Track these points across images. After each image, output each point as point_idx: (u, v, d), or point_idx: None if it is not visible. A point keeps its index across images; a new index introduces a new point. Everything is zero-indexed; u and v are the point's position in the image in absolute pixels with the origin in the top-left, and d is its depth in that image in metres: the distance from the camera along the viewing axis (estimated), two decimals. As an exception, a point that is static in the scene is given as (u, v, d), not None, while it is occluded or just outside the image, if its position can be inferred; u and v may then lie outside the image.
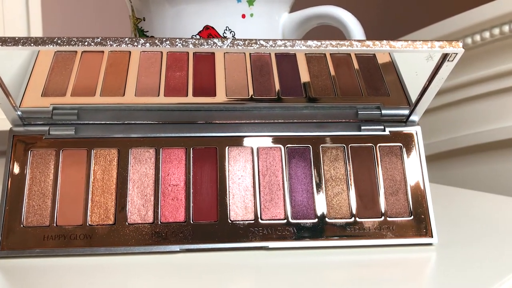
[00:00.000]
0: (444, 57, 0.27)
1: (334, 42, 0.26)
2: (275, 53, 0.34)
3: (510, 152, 0.55)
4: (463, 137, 0.59)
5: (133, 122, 0.31)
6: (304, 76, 0.33)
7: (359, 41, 0.26)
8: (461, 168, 0.61)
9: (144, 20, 0.34)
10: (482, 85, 0.57)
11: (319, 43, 0.26)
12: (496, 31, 0.53)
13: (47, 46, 0.25)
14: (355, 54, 0.34)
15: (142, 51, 0.33)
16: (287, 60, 0.34)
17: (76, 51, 0.32)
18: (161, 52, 0.33)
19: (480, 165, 0.58)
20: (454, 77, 0.59)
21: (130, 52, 0.33)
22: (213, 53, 0.33)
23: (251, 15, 0.34)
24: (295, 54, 0.34)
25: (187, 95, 0.32)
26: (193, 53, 0.33)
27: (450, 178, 0.61)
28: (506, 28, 0.52)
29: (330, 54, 0.34)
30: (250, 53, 0.33)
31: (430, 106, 0.61)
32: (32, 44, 0.25)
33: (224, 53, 0.33)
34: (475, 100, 0.58)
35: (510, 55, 0.53)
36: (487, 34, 0.54)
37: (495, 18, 0.52)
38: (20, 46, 0.25)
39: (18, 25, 0.49)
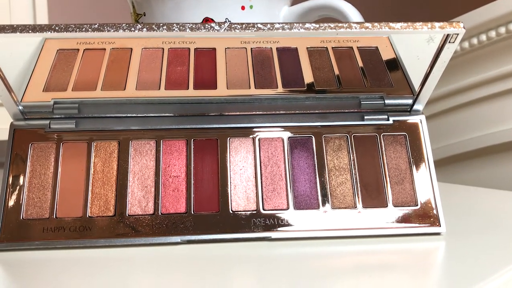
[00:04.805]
0: (446, 38, 0.27)
1: (332, 25, 0.26)
2: (277, 47, 0.34)
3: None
4: (471, 140, 0.58)
5: (133, 115, 0.31)
6: (306, 69, 0.33)
7: (357, 23, 0.26)
8: (470, 171, 0.60)
9: (144, 15, 0.35)
10: (489, 87, 0.56)
11: (317, 26, 0.26)
12: (502, 29, 0.52)
13: (45, 32, 0.25)
14: (357, 47, 0.34)
15: (144, 48, 0.33)
16: (288, 54, 0.34)
17: (78, 49, 0.32)
18: (162, 49, 0.33)
19: (490, 168, 0.57)
20: (459, 79, 0.58)
21: (131, 49, 0.33)
22: (214, 49, 0.33)
23: (251, 6, 0.34)
24: (296, 48, 0.34)
25: (187, 88, 0.32)
26: (194, 49, 0.33)
27: (460, 183, 0.60)
28: (512, 27, 0.51)
29: (332, 48, 0.34)
30: (251, 48, 0.33)
31: (436, 110, 0.61)
32: (30, 31, 0.25)
33: (226, 48, 0.33)
34: (481, 102, 0.57)
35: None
36: (493, 34, 0.53)
37: (499, 17, 0.52)
38: (18, 33, 0.25)
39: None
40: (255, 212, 0.29)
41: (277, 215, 0.29)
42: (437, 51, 0.28)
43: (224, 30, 0.25)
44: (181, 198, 0.29)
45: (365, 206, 0.29)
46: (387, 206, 0.29)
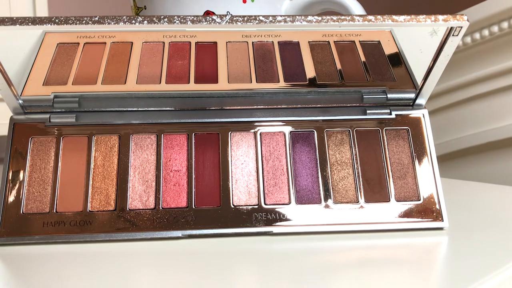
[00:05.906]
0: (449, 31, 0.27)
1: (335, 17, 0.25)
2: (278, 41, 0.33)
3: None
4: (472, 135, 0.58)
5: (134, 109, 0.31)
6: (308, 63, 0.33)
7: (360, 16, 0.26)
8: (472, 167, 0.59)
9: (145, 9, 0.34)
10: (491, 82, 0.56)
11: (319, 18, 0.25)
12: (505, 24, 0.52)
13: (45, 25, 0.25)
14: (360, 41, 0.34)
15: (144, 42, 0.33)
16: (290, 48, 0.33)
17: (78, 43, 0.32)
18: (163, 43, 0.33)
19: (491, 163, 0.57)
20: (461, 74, 0.58)
21: (132, 43, 0.33)
22: (215, 42, 0.33)
23: (252, 0, 0.33)
24: (298, 42, 0.33)
25: (188, 82, 0.31)
26: (195, 42, 0.33)
27: (462, 178, 0.60)
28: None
29: (334, 42, 0.34)
30: (253, 42, 0.33)
31: (438, 106, 0.61)
32: (30, 24, 0.24)
33: (227, 42, 0.33)
34: (483, 97, 0.57)
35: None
36: (495, 28, 0.53)
37: (502, 11, 0.51)
38: (17, 25, 0.24)
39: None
40: (256, 206, 0.29)
41: (278, 209, 0.29)
42: (440, 44, 0.28)
43: (226, 22, 0.25)
44: (182, 192, 0.29)
45: (367, 200, 0.29)
46: (389, 201, 0.29)
